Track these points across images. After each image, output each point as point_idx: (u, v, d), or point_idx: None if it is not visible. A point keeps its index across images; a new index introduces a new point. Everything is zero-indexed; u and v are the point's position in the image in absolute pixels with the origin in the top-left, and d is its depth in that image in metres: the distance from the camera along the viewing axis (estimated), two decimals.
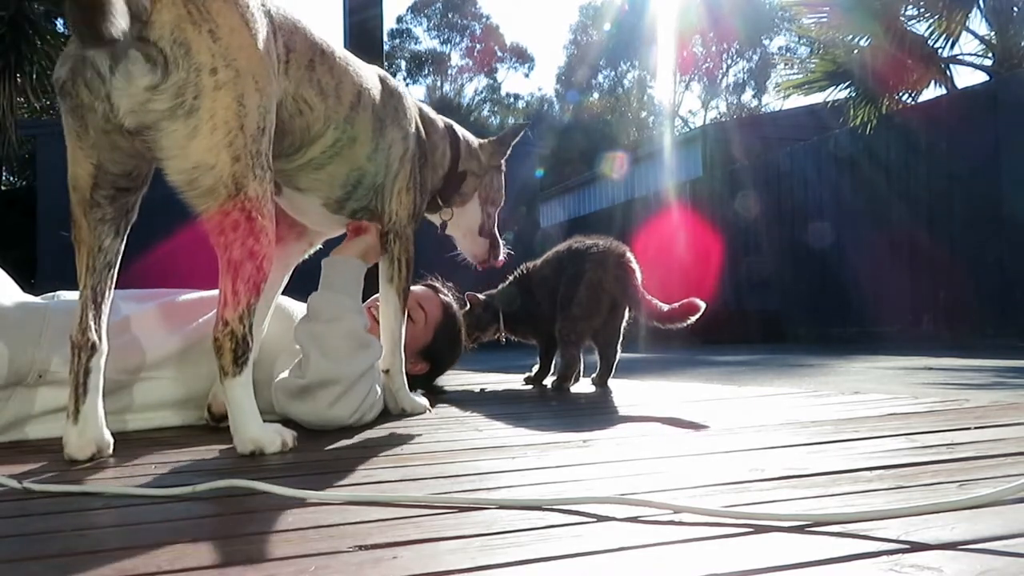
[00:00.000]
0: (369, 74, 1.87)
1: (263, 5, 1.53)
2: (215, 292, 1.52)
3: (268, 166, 1.50)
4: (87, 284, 1.51)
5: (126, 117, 1.37)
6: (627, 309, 2.65)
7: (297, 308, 2.07)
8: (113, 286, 1.56)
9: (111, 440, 1.52)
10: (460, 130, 2.20)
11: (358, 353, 1.78)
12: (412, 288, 2.08)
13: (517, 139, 2.31)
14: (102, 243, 1.51)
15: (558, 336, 2.65)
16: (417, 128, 2.01)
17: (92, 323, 1.50)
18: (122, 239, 1.55)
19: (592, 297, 2.57)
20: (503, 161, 2.31)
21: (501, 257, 2.34)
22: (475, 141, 2.26)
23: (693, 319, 2.41)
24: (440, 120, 2.15)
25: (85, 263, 1.51)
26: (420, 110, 2.07)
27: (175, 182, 1.42)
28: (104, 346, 1.52)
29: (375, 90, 1.86)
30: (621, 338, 2.72)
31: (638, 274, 2.58)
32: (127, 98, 1.35)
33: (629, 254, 2.61)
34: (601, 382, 2.73)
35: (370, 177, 1.88)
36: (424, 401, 2.10)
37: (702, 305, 2.40)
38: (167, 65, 1.34)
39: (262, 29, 1.48)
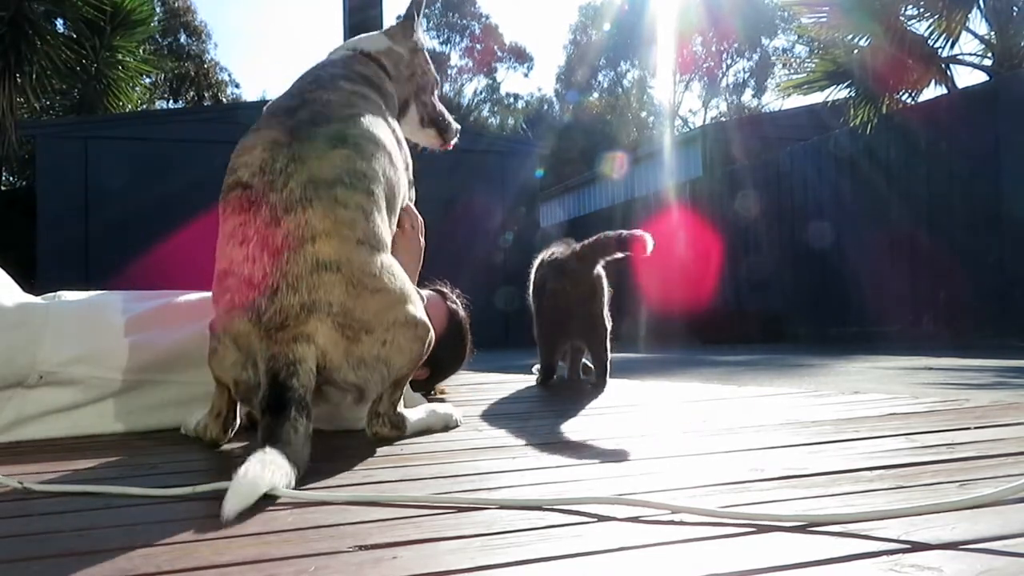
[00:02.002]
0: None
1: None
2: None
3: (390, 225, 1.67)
4: None
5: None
6: (602, 305, 2.66)
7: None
8: None
9: None
10: (375, 53, 1.96)
11: None
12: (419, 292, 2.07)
13: (422, 8, 2.13)
14: None
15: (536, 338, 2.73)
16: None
17: None
18: None
19: (553, 305, 2.64)
20: (416, 38, 2.09)
21: (453, 140, 2.20)
22: (385, 47, 1.99)
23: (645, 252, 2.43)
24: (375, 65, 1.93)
25: None
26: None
27: None
28: None
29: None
30: (607, 335, 2.69)
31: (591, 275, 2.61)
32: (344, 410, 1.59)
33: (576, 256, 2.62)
34: (599, 382, 2.73)
35: None
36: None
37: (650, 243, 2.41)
38: (363, 392, 1.52)
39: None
